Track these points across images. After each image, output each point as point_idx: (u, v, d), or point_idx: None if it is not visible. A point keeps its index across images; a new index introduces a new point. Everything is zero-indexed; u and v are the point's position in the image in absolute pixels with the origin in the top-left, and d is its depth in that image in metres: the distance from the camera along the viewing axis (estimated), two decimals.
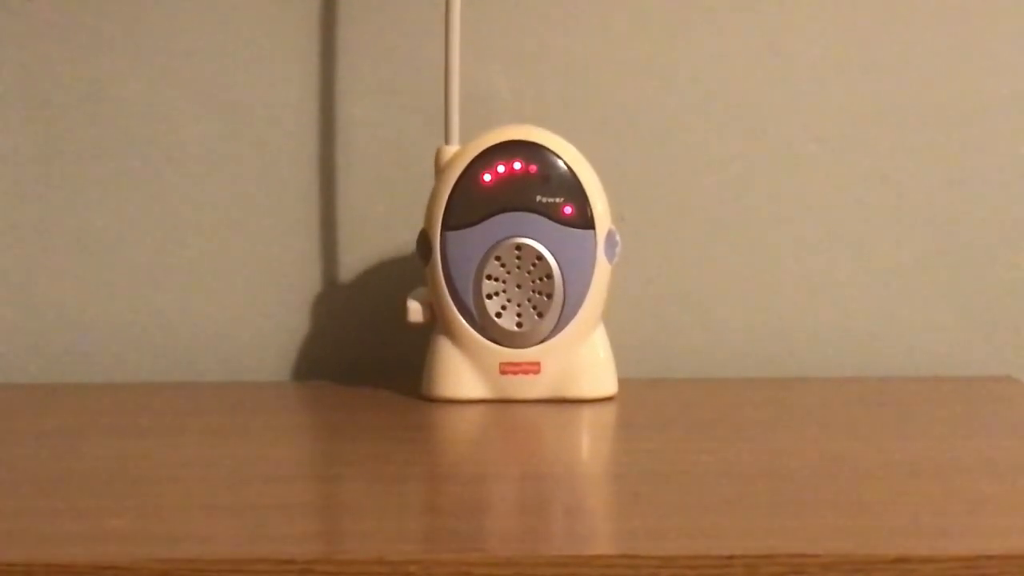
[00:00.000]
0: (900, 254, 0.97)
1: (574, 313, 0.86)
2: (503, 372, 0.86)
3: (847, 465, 0.73)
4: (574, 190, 0.85)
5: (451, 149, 0.87)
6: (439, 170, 0.87)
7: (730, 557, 0.58)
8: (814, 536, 0.61)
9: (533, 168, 0.85)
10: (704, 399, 0.90)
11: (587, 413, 0.85)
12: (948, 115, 0.96)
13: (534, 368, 0.86)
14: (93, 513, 0.65)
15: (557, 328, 0.86)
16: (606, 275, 0.86)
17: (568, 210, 0.85)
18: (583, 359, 0.87)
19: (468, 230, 0.85)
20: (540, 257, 0.85)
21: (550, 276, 0.85)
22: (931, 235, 0.97)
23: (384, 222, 0.96)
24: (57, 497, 0.67)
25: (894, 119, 0.96)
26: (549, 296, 0.85)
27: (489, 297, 0.86)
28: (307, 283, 0.96)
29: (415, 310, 0.87)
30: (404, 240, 0.93)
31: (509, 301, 0.86)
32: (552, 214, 0.85)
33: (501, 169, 0.85)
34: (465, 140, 0.87)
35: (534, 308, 0.86)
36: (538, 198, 0.85)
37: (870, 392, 0.92)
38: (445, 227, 0.86)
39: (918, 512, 0.65)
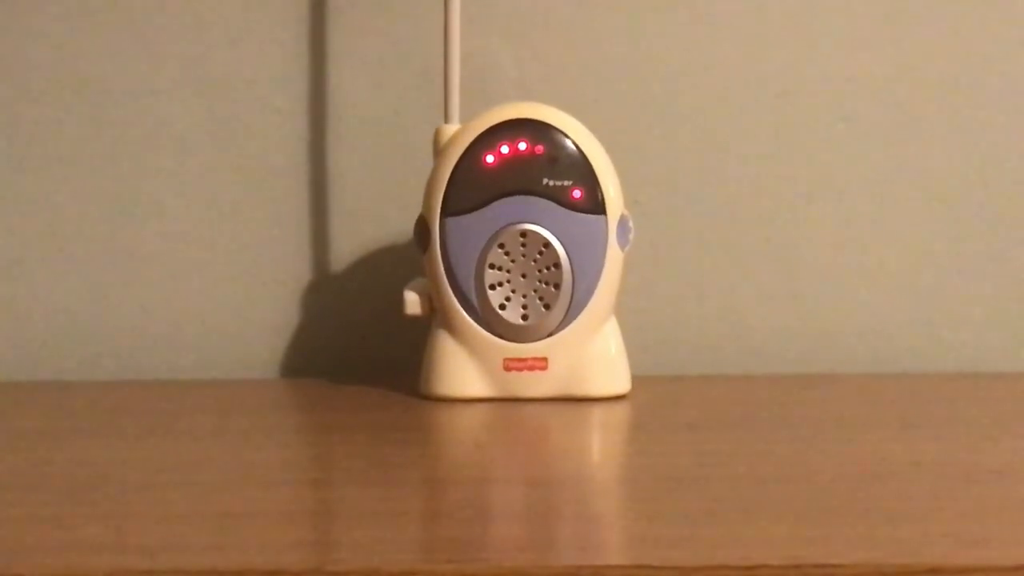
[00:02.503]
0: (932, 244, 0.97)
1: (584, 305, 0.86)
2: (507, 368, 0.86)
3: (877, 468, 0.73)
4: (584, 172, 0.85)
5: (451, 128, 0.87)
6: (438, 151, 0.87)
7: (752, 567, 0.58)
8: (842, 545, 0.61)
9: (539, 149, 0.85)
10: (723, 398, 0.90)
11: (597, 412, 0.85)
12: (983, 99, 0.96)
13: (540, 364, 0.86)
14: (68, 520, 0.65)
15: (565, 321, 0.86)
16: (618, 264, 0.86)
17: (577, 194, 0.85)
18: (593, 354, 0.87)
19: (469, 216, 0.85)
20: (547, 244, 0.85)
21: (558, 265, 0.85)
22: (965, 225, 0.97)
23: (379, 207, 0.96)
24: (29, 503, 0.67)
25: (928, 98, 0.96)
26: (557, 287, 0.85)
27: (492, 288, 0.85)
28: (297, 274, 0.96)
29: (413, 302, 0.87)
30: (401, 227, 0.93)
31: (514, 292, 0.85)
32: (560, 198, 0.85)
33: (505, 150, 0.85)
34: (466, 119, 0.87)
35: (540, 299, 0.85)
36: (545, 181, 0.85)
37: (900, 390, 0.92)
38: (444, 212, 0.85)
39: (954, 519, 0.65)
